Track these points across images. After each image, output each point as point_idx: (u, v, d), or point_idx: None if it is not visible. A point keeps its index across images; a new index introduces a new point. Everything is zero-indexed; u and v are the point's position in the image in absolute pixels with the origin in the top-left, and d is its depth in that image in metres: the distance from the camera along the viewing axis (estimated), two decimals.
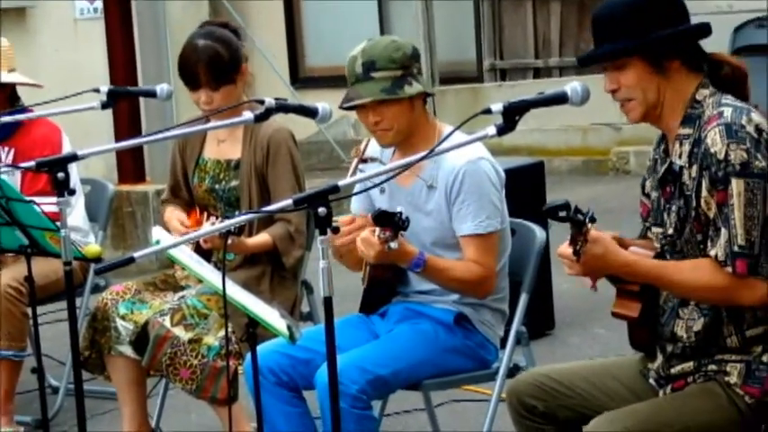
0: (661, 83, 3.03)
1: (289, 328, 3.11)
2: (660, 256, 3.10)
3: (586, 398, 3.19)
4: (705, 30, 3.07)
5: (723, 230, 2.92)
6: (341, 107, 3.75)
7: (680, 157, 3.03)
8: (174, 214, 4.30)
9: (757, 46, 9.49)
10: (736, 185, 2.90)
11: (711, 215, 2.96)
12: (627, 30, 3.01)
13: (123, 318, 4.23)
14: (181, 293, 4.32)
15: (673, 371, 3.10)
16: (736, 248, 2.91)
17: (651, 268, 2.99)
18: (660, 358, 3.14)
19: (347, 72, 3.71)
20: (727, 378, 3.02)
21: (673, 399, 3.07)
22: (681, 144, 3.04)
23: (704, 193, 2.96)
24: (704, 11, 8.35)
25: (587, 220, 2.86)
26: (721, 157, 2.91)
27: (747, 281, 2.92)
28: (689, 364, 3.07)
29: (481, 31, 11.33)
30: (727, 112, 2.96)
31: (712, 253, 2.95)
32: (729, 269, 2.92)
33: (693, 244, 3.02)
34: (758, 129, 2.94)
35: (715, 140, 2.93)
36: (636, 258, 3.00)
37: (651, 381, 3.17)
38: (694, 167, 2.99)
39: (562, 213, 2.83)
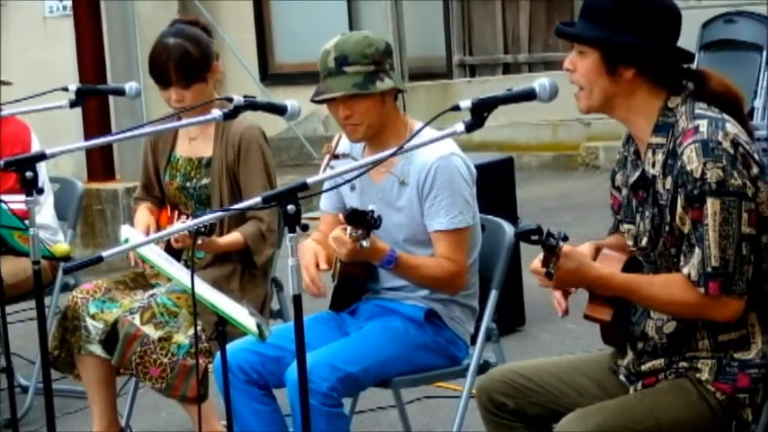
0: (609, 85, 3.01)
1: (258, 326, 3.10)
2: (633, 260, 3.11)
3: (556, 395, 3.19)
4: (682, 54, 3.03)
5: (697, 250, 2.92)
6: (312, 101, 3.74)
7: (653, 165, 3.02)
8: (140, 220, 4.28)
9: (725, 41, 9.54)
10: (712, 205, 2.89)
11: (686, 230, 2.95)
12: (602, 20, 3.00)
13: (93, 317, 4.22)
14: (151, 292, 4.31)
15: (643, 368, 3.11)
16: (709, 269, 2.91)
17: (624, 283, 3.00)
18: (631, 355, 3.15)
19: (319, 66, 3.71)
20: (698, 375, 3.02)
21: (643, 395, 3.08)
22: (654, 153, 3.03)
23: (679, 209, 2.95)
24: None
25: (559, 241, 2.87)
26: (697, 175, 2.90)
27: (719, 299, 2.93)
28: (660, 361, 3.08)
29: (450, 27, 11.34)
30: (703, 126, 2.94)
31: (685, 271, 2.95)
32: (702, 290, 2.92)
33: (667, 257, 3.03)
34: (734, 143, 2.92)
35: (691, 158, 2.91)
36: (609, 272, 3.01)
37: (621, 377, 3.17)
38: (669, 179, 2.97)
39: (534, 237, 2.84)
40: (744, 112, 3.06)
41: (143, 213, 4.34)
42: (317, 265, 3.68)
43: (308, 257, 3.69)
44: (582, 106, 3.07)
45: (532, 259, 2.99)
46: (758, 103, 9.37)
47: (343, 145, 3.84)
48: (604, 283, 2.99)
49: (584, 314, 3.09)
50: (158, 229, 4.25)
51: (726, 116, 2.98)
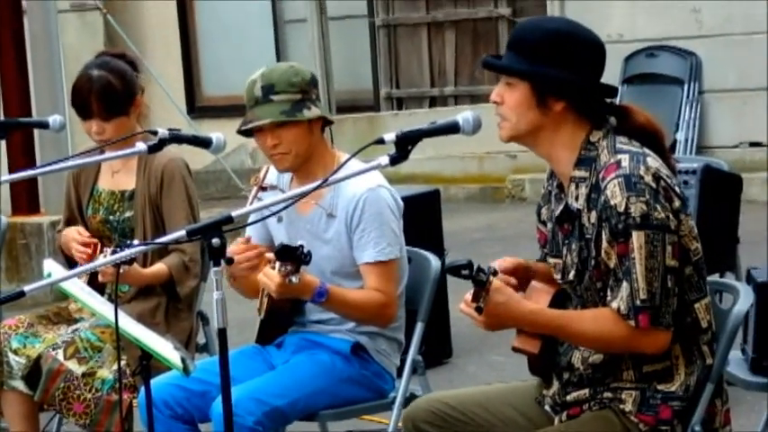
0: (538, 117, 3.04)
1: (183, 360, 3.08)
2: (561, 292, 3.13)
3: (482, 424, 3.20)
4: (606, 90, 3.07)
5: (625, 284, 2.95)
6: (239, 130, 3.74)
7: (576, 199, 3.05)
8: (68, 232, 4.24)
9: (647, 75, 9.70)
10: (637, 238, 2.92)
11: (612, 265, 2.97)
12: (532, 53, 3.02)
13: (16, 352, 4.16)
14: (74, 326, 4.26)
15: (568, 398, 3.12)
16: (638, 302, 2.93)
17: (553, 318, 3.02)
18: (556, 385, 3.16)
19: (246, 96, 3.71)
20: (621, 406, 3.04)
21: (567, 426, 3.09)
22: (577, 186, 3.05)
23: (604, 244, 2.97)
24: None
25: (489, 276, 2.89)
26: (621, 209, 2.93)
27: (648, 331, 2.96)
28: (584, 392, 3.10)
29: (377, 61, 11.40)
30: (625, 161, 2.97)
31: (614, 305, 2.97)
32: (632, 323, 2.95)
33: (593, 291, 3.05)
34: (656, 177, 2.95)
35: (614, 193, 2.94)
36: (539, 308, 3.02)
37: (547, 407, 3.19)
38: (593, 213, 3.00)
39: (464, 272, 2.85)
40: (665, 147, 3.10)
41: (68, 229, 4.29)
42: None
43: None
44: (504, 135, 3.08)
45: (459, 292, 3.00)
46: (680, 136, 9.53)
47: (271, 177, 3.84)
48: (534, 318, 3.00)
49: (513, 346, 3.10)
50: (81, 264, 4.20)
51: (647, 150, 3.02)
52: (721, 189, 5.10)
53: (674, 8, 9.74)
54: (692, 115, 9.61)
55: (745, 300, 3.23)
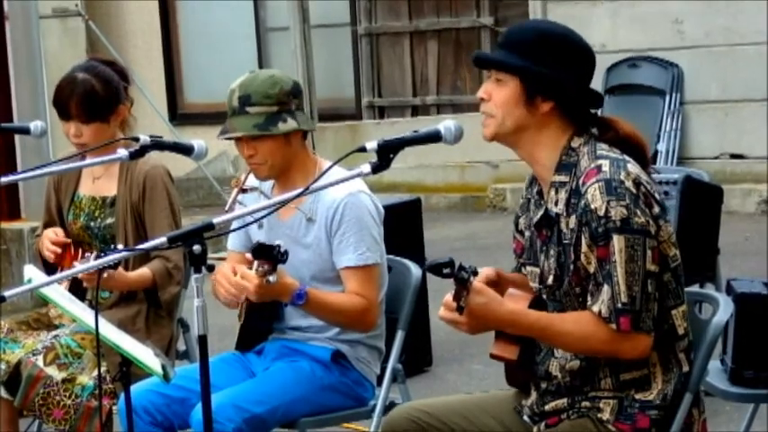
0: (524, 116, 3.04)
1: (163, 366, 3.08)
2: (538, 299, 3.14)
3: None
4: (593, 96, 3.09)
5: (606, 287, 2.95)
6: (218, 138, 3.75)
7: (556, 204, 3.06)
8: (47, 233, 4.23)
9: (629, 85, 9.73)
10: (618, 242, 2.93)
11: (591, 270, 2.98)
12: (525, 52, 3.03)
13: None
14: (54, 332, 4.25)
15: (547, 407, 3.13)
16: (619, 305, 2.94)
17: (535, 321, 3.01)
18: (534, 395, 3.17)
19: (227, 104, 3.73)
20: (599, 414, 3.05)
21: None
22: (557, 191, 3.06)
23: (584, 248, 2.98)
24: None
25: (471, 275, 2.89)
26: (602, 213, 2.94)
27: (629, 335, 2.96)
28: (563, 401, 3.10)
29: (360, 69, 11.41)
30: (606, 166, 2.98)
31: (595, 309, 2.97)
32: (614, 326, 2.95)
33: (572, 296, 3.05)
34: (636, 182, 2.97)
35: (595, 197, 2.95)
36: (520, 310, 3.02)
37: (525, 417, 3.19)
38: (572, 218, 3.01)
39: (446, 271, 2.85)
40: (648, 159, 3.12)
41: (46, 230, 4.28)
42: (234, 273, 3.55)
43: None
44: (488, 132, 3.08)
45: (440, 300, 3.01)
46: (661, 147, 9.57)
47: (252, 179, 3.85)
48: (516, 318, 2.99)
49: (491, 353, 3.09)
50: (62, 269, 4.20)
51: (627, 157, 3.03)
52: (702, 200, 5.12)
53: (656, 19, 9.78)
54: (674, 126, 9.65)
55: (724, 310, 3.25)
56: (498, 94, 3.05)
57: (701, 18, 9.64)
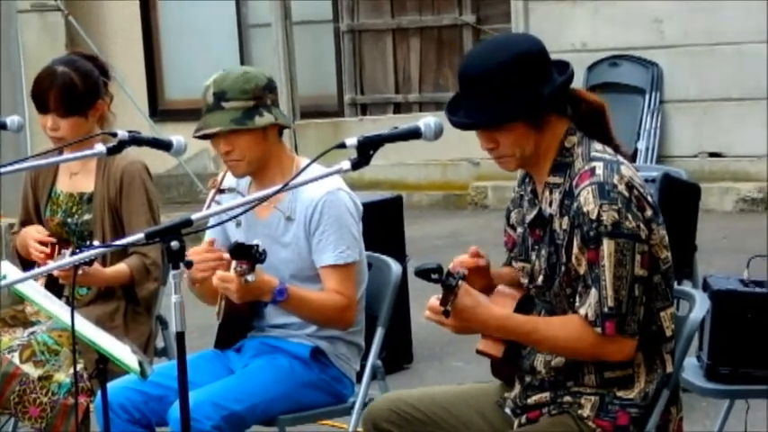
0: (537, 137, 3.04)
1: (140, 363, 3.06)
2: (526, 297, 3.14)
3: (442, 426, 3.21)
4: (572, 76, 3.08)
5: (593, 290, 2.96)
6: (194, 136, 3.73)
7: (550, 205, 3.06)
8: (27, 231, 4.20)
9: (610, 84, 9.75)
10: (608, 246, 2.94)
11: (581, 271, 2.99)
12: (505, 92, 2.98)
13: None
14: (31, 329, 4.23)
15: (529, 401, 3.14)
16: (606, 310, 2.95)
17: (521, 324, 3.03)
18: (518, 388, 3.18)
19: (202, 101, 3.70)
20: (580, 411, 3.06)
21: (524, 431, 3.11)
22: (551, 192, 3.06)
23: (575, 250, 2.99)
24: (558, 49, 8.56)
25: (459, 281, 2.90)
26: (594, 216, 2.94)
27: (614, 339, 2.97)
28: (545, 395, 3.11)
29: (342, 66, 11.40)
30: (599, 168, 2.98)
31: (582, 312, 2.98)
32: (599, 330, 2.96)
33: (562, 297, 3.06)
34: (629, 186, 2.97)
35: (588, 200, 2.95)
36: (507, 313, 3.03)
37: (507, 410, 3.20)
38: (565, 219, 3.01)
39: (434, 276, 2.86)
40: (609, 124, 3.10)
41: (26, 228, 4.26)
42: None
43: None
44: (512, 167, 3.08)
45: (420, 297, 3.01)
46: (641, 145, 9.59)
47: (229, 179, 3.83)
48: (502, 323, 3.01)
49: (477, 349, 3.11)
50: (38, 265, 4.17)
51: (620, 158, 3.04)
52: (680, 198, 5.14)
53: (636, 19, 9.80)
54: (653, 125, 9.68)
55: (701, 307, 3.26)
56: (506, 137, 3.02)
57: (681, 18, 9.67)
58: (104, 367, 3.18)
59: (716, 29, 9.55)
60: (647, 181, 5.05)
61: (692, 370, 3.92)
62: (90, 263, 3.84)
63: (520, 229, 3.19)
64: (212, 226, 3.71)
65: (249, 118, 3.65)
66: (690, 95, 9.75)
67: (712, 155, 9.73)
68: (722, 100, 9.62)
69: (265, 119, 3.67)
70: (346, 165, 2.93)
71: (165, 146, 3.66)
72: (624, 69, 9.83)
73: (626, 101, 9.57)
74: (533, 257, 3.11)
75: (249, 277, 3.36)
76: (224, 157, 3.70)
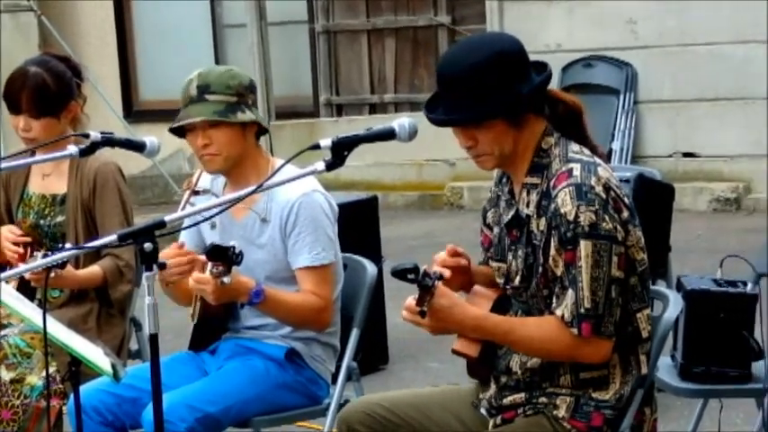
0: (516, 135, 3.04)
1: (113, 366, 3.05)
2: (503, 297, 3.14)
3: (417, 428, 3.21)
4: (550, 76, 3.09)
5: (570, 292, 2.96)
6: (171, 128, 3.70)
7: (527, 205, 3.06)
8: (2, 230, 4.18)
9: (585, 85, 9.77)
10: (585, 247, 2.94)
11: (559, 272, 2.99)
12: (484, 91, 2.98)
13: None
14: (3, 332, 4.20)
15: (504, 401, 3.14)
16: (582, 311, 2.95)
17: (497, 324, 3.03)
18: (493, 388, 3.18)
19: (182, 95, 3.68)
20: (555, 411, 3.07)
21: None
22: (528, 193, 3.07)
23: (552, 251, 2.99)
24: (533, 49, 8.56)
25: (435, 281, 2.90)
26: (571, 218, 2.94)
27: (590, 340, 2.98)
28: (521, 396, 3.12)
29: (317, 67, 11.39)
30: (577, 170, 2.98)
31: (558, 313, 2.99)
32: (575, 331, 2.97)
33: (539, 298, 3.06)
34: (606, 187, 2.97)
35: (565, 201, 2.96)
36: (483, 314, 3.04)
37: (482, 410, 3.20)
38: (543, 220, 3.01)
39: (411, 276, 2.86)
40: (586, 125, 3.11)
41: (2, 230, 4.23)
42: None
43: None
44: (489, 167, 3.08)
45: (396, 298, 3.00)
46: (615, 146, 9.62)
47: (204, 181, 3.81)
48: (478, 323, 3.01)
49: (453, 349, 3.11)
50: (12, 266, 4.15)
51: (597, 160, 3.04)
52: (654, 198, 5.15)
53: (610, 19, 9.83)
54: (628, 125, 9.71)
55: (674, 307, 3.27)
56: (485, 135, 3.02)
57: (655, 19, 9.70)
58: (77, 370, 3.16)
59: (688, 30, 9.60)
60: (621, 181, 5.10)
61: (666, 369, 3.93)
62: (63, 265, 3.83)
63: (496, 229, 3.19)
64: (187, 227, 3.70)
65: (232, 112, 3.64)
66: (664, 96, 9.79)
67: (686, 155, 9.77)
68: (696, 100, 9.66)
69: (247, 116, 3.66)
70: (321, 166, 2.93)
71: (138, 147, 3.65)
72: (598, 70, 9.86)
73: (600, 101, 9.59)
74: (510, 258, 3.12)
75: (225, 279, 3.35)
76: (200, 150, 3.67)
